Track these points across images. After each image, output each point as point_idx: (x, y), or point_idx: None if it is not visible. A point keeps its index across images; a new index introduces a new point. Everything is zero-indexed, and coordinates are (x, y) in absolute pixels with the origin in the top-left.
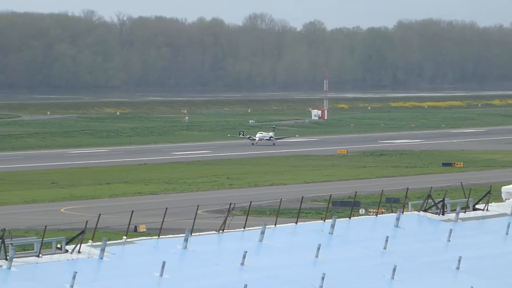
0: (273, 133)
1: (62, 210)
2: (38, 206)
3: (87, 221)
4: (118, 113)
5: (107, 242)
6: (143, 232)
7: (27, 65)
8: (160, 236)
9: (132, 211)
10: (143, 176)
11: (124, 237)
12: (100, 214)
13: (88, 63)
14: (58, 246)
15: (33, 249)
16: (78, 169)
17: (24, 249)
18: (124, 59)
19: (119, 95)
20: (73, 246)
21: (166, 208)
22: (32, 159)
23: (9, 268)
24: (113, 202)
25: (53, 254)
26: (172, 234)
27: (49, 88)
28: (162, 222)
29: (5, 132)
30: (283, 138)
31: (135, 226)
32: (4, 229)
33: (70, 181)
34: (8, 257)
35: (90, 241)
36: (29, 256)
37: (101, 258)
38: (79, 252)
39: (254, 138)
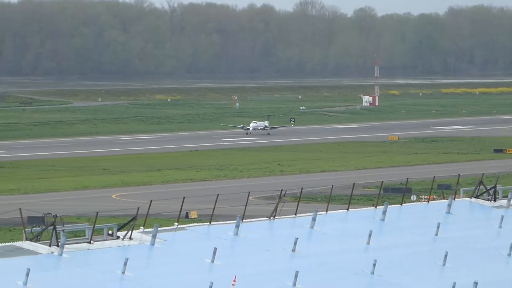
0: (268, 122)
1: (113, 196)
2: (89, 192)
3: (138, 208)
4: (169, 100)
5: (159, 229)
6: (194, 218)
7: (78, 52)
8: (212, 223)
9: (184, 198)
10: (194, 162)
11: (176, 224)
12: (151, 201)
13: (138, 49)
14: (110, 232)
15: (84, 236)
16: (130, 156)
17: (76, 235)
18: (175, 46)
19: (170, 81)
20: (124, 232)
21: (218, 195)
22: (83, 145)
23: (61, 255)
24: (165, 188)
25: (105, 240)
26: (223, 221)
27: (100, 75)
28: (214, 208)
29: (57, 118)
30: (278, 127)
31: (187, 213)
32: (56, 216)
33: (122, 168)
34: (59, 244)
35: (141, 227)
36: (80, 243)
37: (153, 244)
38: (130, 238)
39: (248, 127)
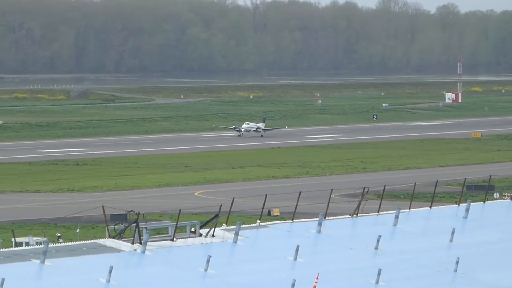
0: (263, 124)
1: (196, 193)
2: (172, 189)
3: (221, 205)
4: (251, 97)
5: (241, 226)
6: (277, 216)
7: (160, 49)
8: (294, 220)
9: (266, 195)
10: (276, 159)
11: (258, 221)
12: (234, 198)
13: (221, 46)
14: (192, 230)
15: (167, 233)
16: (212, 153)
17: (158, 233)
18: (257, 43)
19: (252, 78)
20: (207, 230)
21: (300, 192)
22: (165, 142)
23: (144, 252)
24: (247, 185)
25: (187, 238)
26: (305, 218)
27: (182, 72)
28: (296, 206)
29: (139, 115)
30: (273, 129)
31: (269, 210)
32: (139, 213)
33: (204, 165)
34: (142, 241)
35: (224, 224)
36: (163, 240)
37: (235, 242)
38: (213, 236)
39: (240, 129)
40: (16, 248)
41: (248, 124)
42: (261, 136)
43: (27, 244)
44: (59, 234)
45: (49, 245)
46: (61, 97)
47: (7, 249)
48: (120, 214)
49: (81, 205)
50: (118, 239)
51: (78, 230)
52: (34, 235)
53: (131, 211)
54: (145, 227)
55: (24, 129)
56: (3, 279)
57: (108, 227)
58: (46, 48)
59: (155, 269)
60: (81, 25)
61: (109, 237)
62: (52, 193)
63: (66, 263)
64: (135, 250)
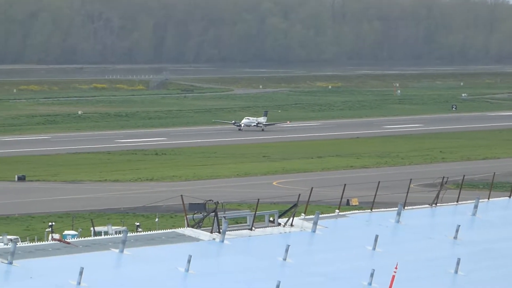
0: (265, 118)
1: (274, 183)
2: (250, 179)
3: (299, 194)
4: (330, 87)
5: (320, 216)
6: (355, 205)
7: (240, 39)
8: (373, 210)
9: (345, 185)
10: (355, 149)
11: (337, 211)
12: (312, 188)
13: (300, 37)
14: (271, 219)
15: (245, 222)
16: (290, 143)
17: (237, 222)
18: (336, 33)
19: (331, 68)
20: (285, 219)
21: (379, 182)
22: (244, 132)
23: (222, 241)
24: (325, 175)
25: (266, 227)
26: (384, 208)
27: (261, 62)
28: (375, 195)
29: (218, 105)
30: (274, 124)
31: (348, 200)
32: (217, 202)
33: (282, 155)
34: (221, 230)
35: (302, 214)
36: (242, 229)
37: (314, 231)
38: (291, 225)
39: (240, 124)
40: (95, 237)
41: (248, 119)
42: (262, 130)
43: (106, 233)
44: (138, 223)
45: (128, 234)
46: (140, 87)
47: (86, 238)
48: (198, 204)
49: (160, 195)
50: (197, 228)
51: (157, 219)
52: (113, 224)
53: (209, 200)
54: (224, 217)
55: (103, 119)
56: (82, 268)
57: (187, 216)
58: (125, 38)
59: (233, 258)
60: (160, 15)
61: (188, 226)
62: (131, 182)
63: (145, 252)
64: (213, 239)
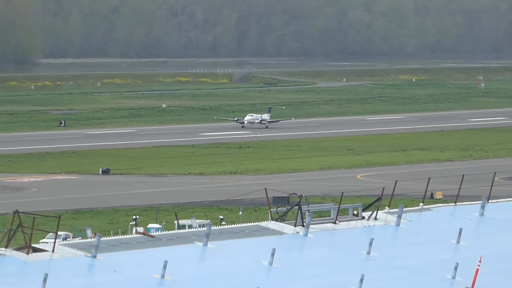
0: (269, 114)
1: (358, 176)
2: (334, 172)
3: (383, 188)
4: (413, 80)
5: (404, 209)
6: (439, 199)
7: (321, 32)
8: (457, 203)
9: (429, 178)
10: (439, 142)
11: (421, 204)
12: (396, 181)
13: (382, 30)
14: (355, 212)
15: (329, 216)
16: (374, 136)
17: (321, 215)
18: (419, 26)
19: (414, 61)
20: (369, 212)
21: (463, 175)
22: (328, 125)
23: (306, 235)
24: (409, 168)
25: (350, 220)
26: (468, 201)
27: (343, 55)
28: (459, 189)
29: (302, 99)
30: (278, 120)
31: (432, 193)
32: (301, 196)
33: (366, 148)
34: (305, 224)
35: (386, 208)
36: (325, 223)
37: (398, 225)
38: (375, 219)
39: (243, 120)
40: (179, 231)
41: (252, 115)
42: (266, 127)
43: (189, 226)
44: (221, 217)
45: (212, 228)
46: (223, 80)
47: (170, 232)
48: (282, 197)
49: (244, 188)
50: (280, 221)
51: (240, 213)
52: (197, 218)
53: (293, 193)
54: (308, 210)
55: (187, 112)
56: (166, 262)
57: (271, 209)
58: (209, 32)
59: (317, 252)
60: (243, 9)
61: (272, 219)
62: (214, 175)
63: (229, 246)
64: (297, 232)
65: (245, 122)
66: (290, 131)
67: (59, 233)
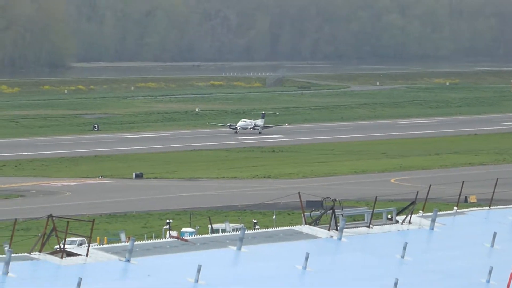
0: (263, 120)
1: (392, 180)
2: (368, 176)
3: (417, 192)
4: (447, 83)
5: (438, 213)
6: (473, 202)
7: (355, 36)
8: (491, 207)
9: (463, 182)
10: (473, 146)
11: (455, 208)
12: (430, 185)
13: (416, 33)
14: (389, 216)
15: (363, 220)
16: (408, 140)
17: (354, 219)
18: (453, 29)
19: (448, 65)
20: (403, 216)
21: (497, 179)
22: (361, 129)
23: (340, 239)
24: (443, 172)
25: (384, 224)
26: (503, 205)
27: (377, 59)
28: (493, 192)
29: (335, 102)
30: (271, 126)
31: (466, 197)
32: (335, 200)
33: (400, 152)
34: (339, 228)
35: (420, 211)
36: (359, 227)
37: (432, 228)
38: (409, 222)
39: (236, 126)
40: (213, 235)
41: (245, 121)
42: (259, 133)
43: (223, 230)
44: (255, 221)
45: (246, 232)
46: (257, 84)
47: (203, 236)
48: (316, 201)
49: (277, 192)
50: (314, 225)
51: (274, 217)
52: (230, 222)
53: (327, 197)
54: (341, 214)
55: (221, 116)
56: (199, 266)
57: (305, 213)
58: (242, 35)
59: (351, 256)
60: (276, 12)
61: (306, 223)
62: (248, 179)
63: (262, 250)
64: (331, 236)
65: (238, 128)
66: (322, 134)
67: (74, 239)
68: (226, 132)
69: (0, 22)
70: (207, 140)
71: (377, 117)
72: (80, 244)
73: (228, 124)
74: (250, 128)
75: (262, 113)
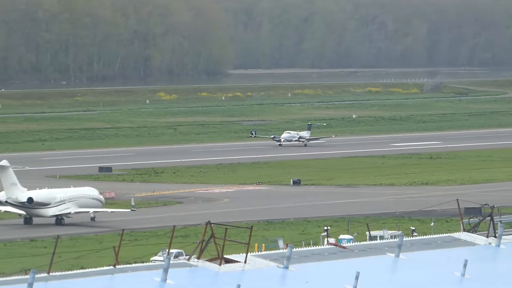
0: (308, 132)
1: None
2: None
3: None
4: None
5: None
6: None
7: None
8: None
9: None
10: None
11: None
12: None
13: None
14: None
15: None
16: None
17: None
18: None
19: None
20: None
21: None
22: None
23: (498, 246)
24: None
25: None
26: None
27: None
28: None
29: (492, 109)
30: (318, 138)
31: None
32: (493, 206)
33: None
34: (497, 235)
35: None
36: None
37: None
38: None
39: (280, 138)
40: (371, 242)
41: (289, 133)
42: (305, 145)
43: (381, 237)
44: (413, 228)
45: (404, 239)
46: (414, 90)
47: (362, 243)
48: (474, 208)
49: (435, 199)
50: (472, 232)
51: (432, 224)
52: (388, 229)
53: (485, 204)
54: (500, 221)
55: (378, 122)
56: (358, 273)
57: (463, 220)
58: (399, 42)
59: (510, 263)
60: (434, 19)
61: (464, 230)
62: (405, 186)
63: (421, 257)
64: (489, 243)
65: (282, 140)
66: (480, 141)
67: (171, 250)
68: (384, 139)
69: (158, 29)
70: (364, 147)
71: None
72: (176, 256)
73: (272, 136)
74: (295, 140)
75: (308, 124)
